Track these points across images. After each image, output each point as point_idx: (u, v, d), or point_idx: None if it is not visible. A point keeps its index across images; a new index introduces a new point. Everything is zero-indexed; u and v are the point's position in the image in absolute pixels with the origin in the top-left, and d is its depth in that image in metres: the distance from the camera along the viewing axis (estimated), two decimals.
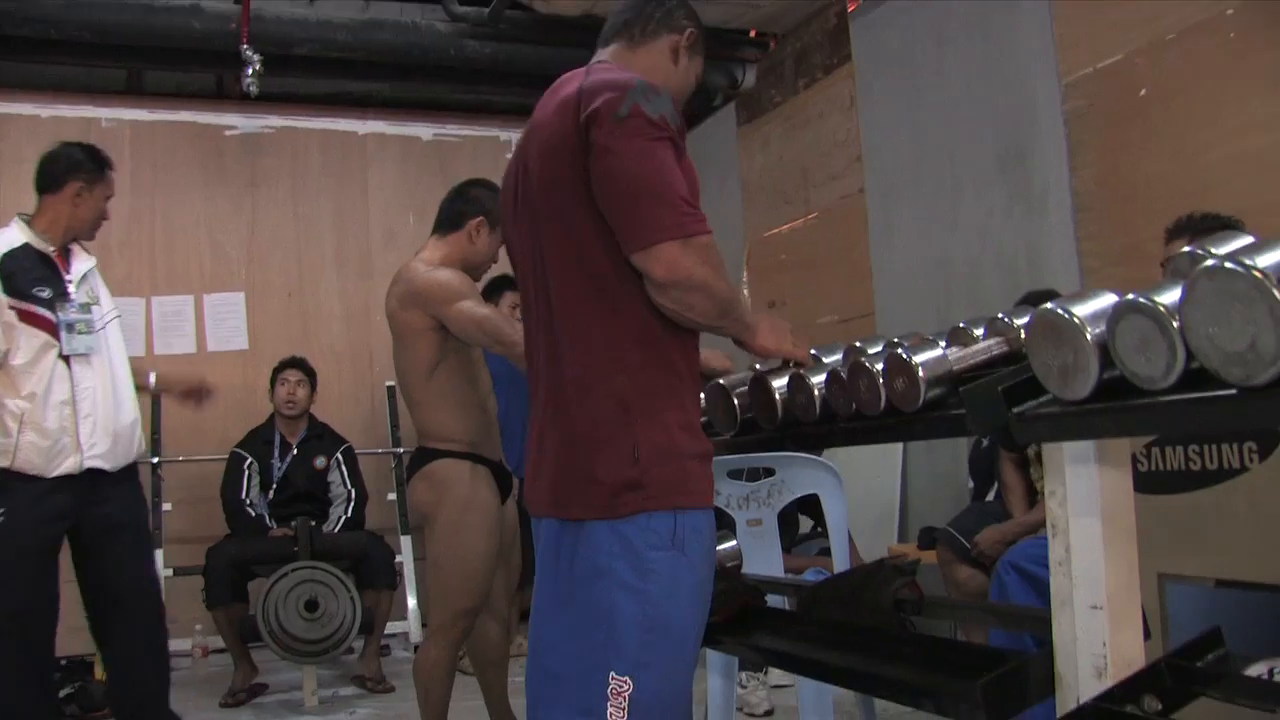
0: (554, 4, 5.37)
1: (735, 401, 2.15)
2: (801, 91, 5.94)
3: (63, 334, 3.47)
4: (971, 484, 4.39)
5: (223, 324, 6.28)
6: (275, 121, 6.53)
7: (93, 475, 3.48)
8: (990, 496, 4.14)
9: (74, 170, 3.61)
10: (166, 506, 5.63)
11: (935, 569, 4.04)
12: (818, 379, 1.93)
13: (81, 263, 3.66)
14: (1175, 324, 1.17)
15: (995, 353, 1.79)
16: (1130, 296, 1.23)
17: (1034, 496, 3.79)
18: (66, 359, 3.47)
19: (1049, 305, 1.35)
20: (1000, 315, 1.83)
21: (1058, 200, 4.30)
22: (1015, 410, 1.43)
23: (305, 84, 6.38)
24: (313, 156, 6.61)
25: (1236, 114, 3.59)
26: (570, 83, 1.92)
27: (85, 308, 3.55)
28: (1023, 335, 1.78)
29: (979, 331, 1.88)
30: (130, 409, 3.65)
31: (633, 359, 1.84)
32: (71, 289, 3.55)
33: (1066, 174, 4.25)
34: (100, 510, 3.51)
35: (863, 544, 4.61)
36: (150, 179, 6.28)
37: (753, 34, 6.19)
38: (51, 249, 3.57)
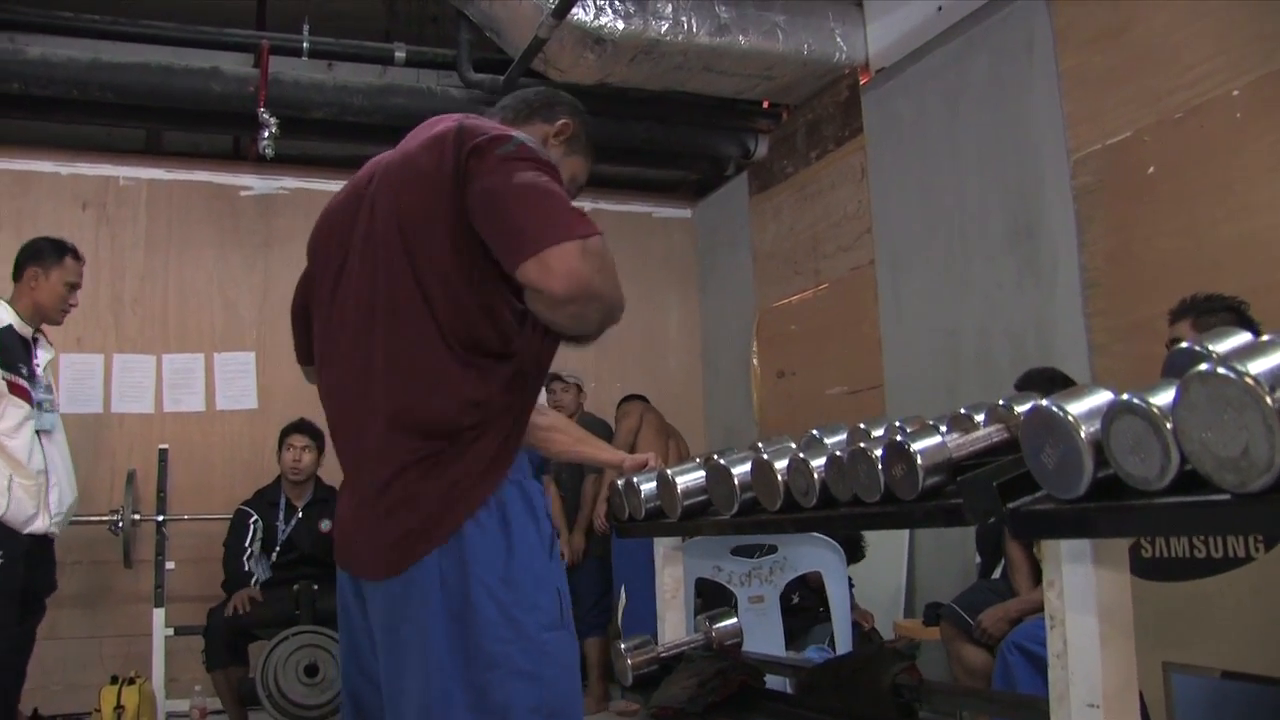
0: (568, 72, 5.42)
1: (736, 482, 2.14)
2: (813, 162, 5.98)
3: (35, 410, 3.88)
4: (979, 559, 4.35)
5: (232, 383, 6.29)
6: (290, 183, 6.57)
7: (45, 539, 3.93)
8: (997, 574, 4.10)
9: (32, 258, 4.02)
10: (170, 565, 5.59)
11: (940, 646, 3.99)
12: (818, 463, 1.92)
13: (45, 352, 4.08)
14: (1169, 426, 1.16)
15: (995, 440, 1.78)
16: (1124, 397, 1.22)
17: (1040, 574, 3.75)
18: (38, 433, 3.87)
19: (1044, 402, 1.34)
20: (1000, 402, 1.82)
21: (1066, 275, 4.30)
22: (1010, 506, 1.42)
23: (321, 147, 6.43)
24: None
25: (1244, 193, 3.60)
26: (442, 122, 1.77)
27: (49, 389, 3.98)
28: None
29: (980, 418, 1.87)
30: (75, 490, 4.15)
31: (496, 407, 1.71)
32: (39, 371, 3.96)
33: (1075, 249, 4.26)
34: (42, 572, 3.99)
35: None
36: (165, 237, 6.33)
37: (765, 105, 6.26)
38: (29, 331, 3.97)
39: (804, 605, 4.24)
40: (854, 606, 4.39)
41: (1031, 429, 1.36)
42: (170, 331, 6.28)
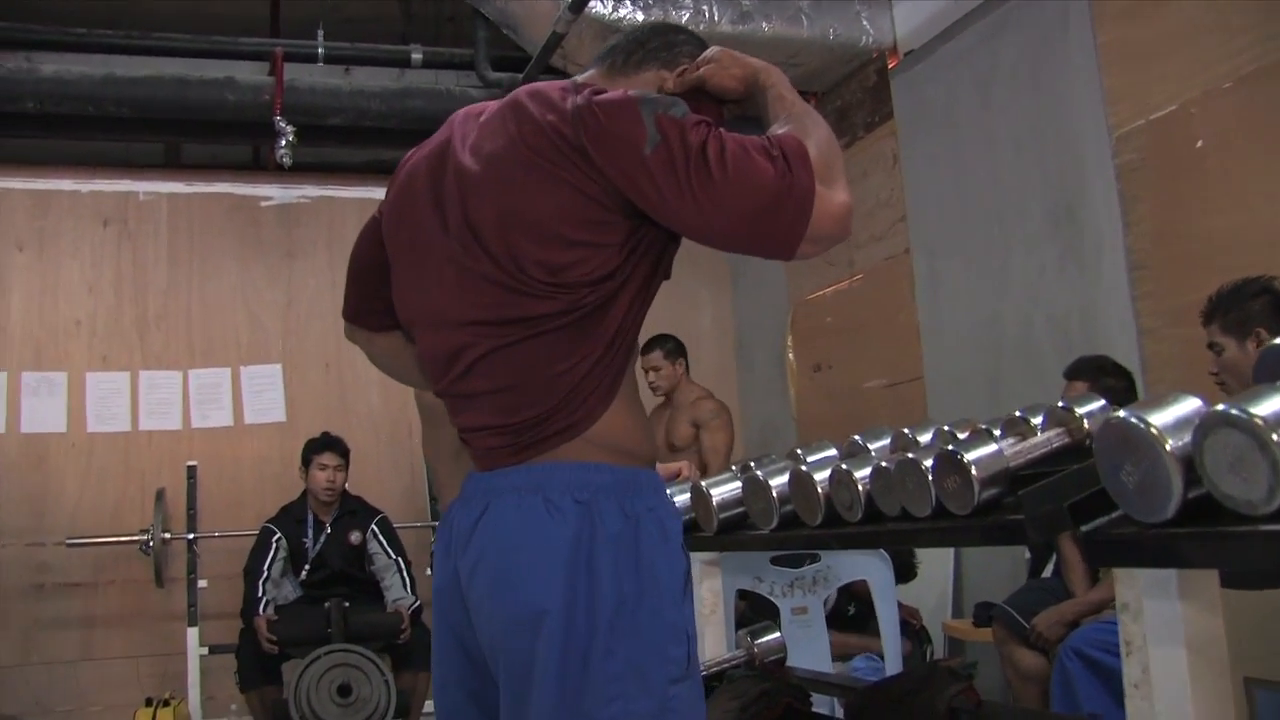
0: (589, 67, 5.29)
1: (774, 495, 2.00)
2: (842, 150, 5.81)
3: None
4: (1028, 556, 4.19)
5: (260, 396, 6.20)
6: (311, 191, 6.48)
7: None
8: (1048, 571, 3.94)
9: None
10: (202, 583, 5.51)
11: (991, 648, 3.85)
12: (862, 474, 1.77)
13: None
14: (1276, 439, 1.00)
15: (1056, 446, 1.63)
16: (1221, 407, 1.07)
17: (1096, 573, 3.59)
18: None
19: (1122, 413, 1.19)
20: (1060, 404, 1.67)
21: (1111, 258, 4.13)
22: (1084, 529, 1.26)
23: (339, 153, 6.34)
24: (349, 226, 6.51)
25: None
26: (539, 97, 1.46)
27: None
28: (1085, 425, 1.62)
29: (1037, 420, 1.72)
30: None
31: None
32: None
33: (1120, 230, 4.08)
34: None
35: None
36: (187, 251, 6.26)
37: None
38: None
39: (859, 615, 4.09)
40: (899, 605, 4.24)
41: (1107, 444, 1.20)
42: (195, 346, 6.20)
